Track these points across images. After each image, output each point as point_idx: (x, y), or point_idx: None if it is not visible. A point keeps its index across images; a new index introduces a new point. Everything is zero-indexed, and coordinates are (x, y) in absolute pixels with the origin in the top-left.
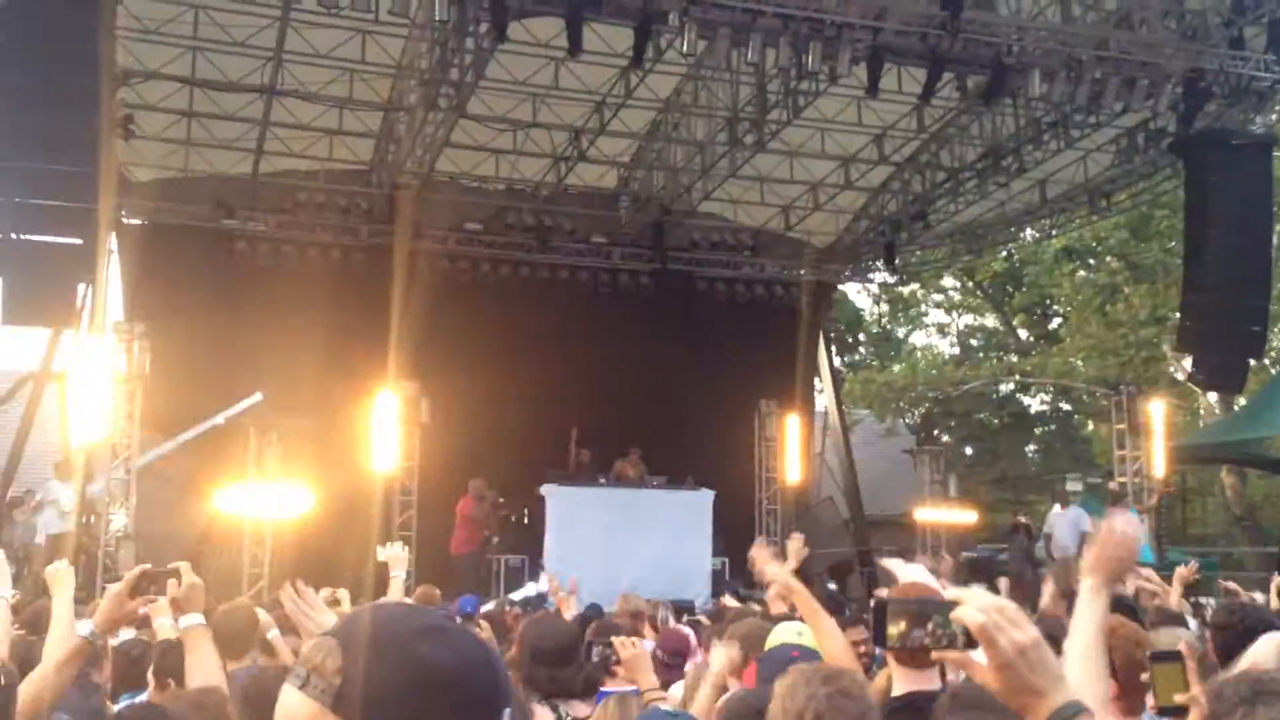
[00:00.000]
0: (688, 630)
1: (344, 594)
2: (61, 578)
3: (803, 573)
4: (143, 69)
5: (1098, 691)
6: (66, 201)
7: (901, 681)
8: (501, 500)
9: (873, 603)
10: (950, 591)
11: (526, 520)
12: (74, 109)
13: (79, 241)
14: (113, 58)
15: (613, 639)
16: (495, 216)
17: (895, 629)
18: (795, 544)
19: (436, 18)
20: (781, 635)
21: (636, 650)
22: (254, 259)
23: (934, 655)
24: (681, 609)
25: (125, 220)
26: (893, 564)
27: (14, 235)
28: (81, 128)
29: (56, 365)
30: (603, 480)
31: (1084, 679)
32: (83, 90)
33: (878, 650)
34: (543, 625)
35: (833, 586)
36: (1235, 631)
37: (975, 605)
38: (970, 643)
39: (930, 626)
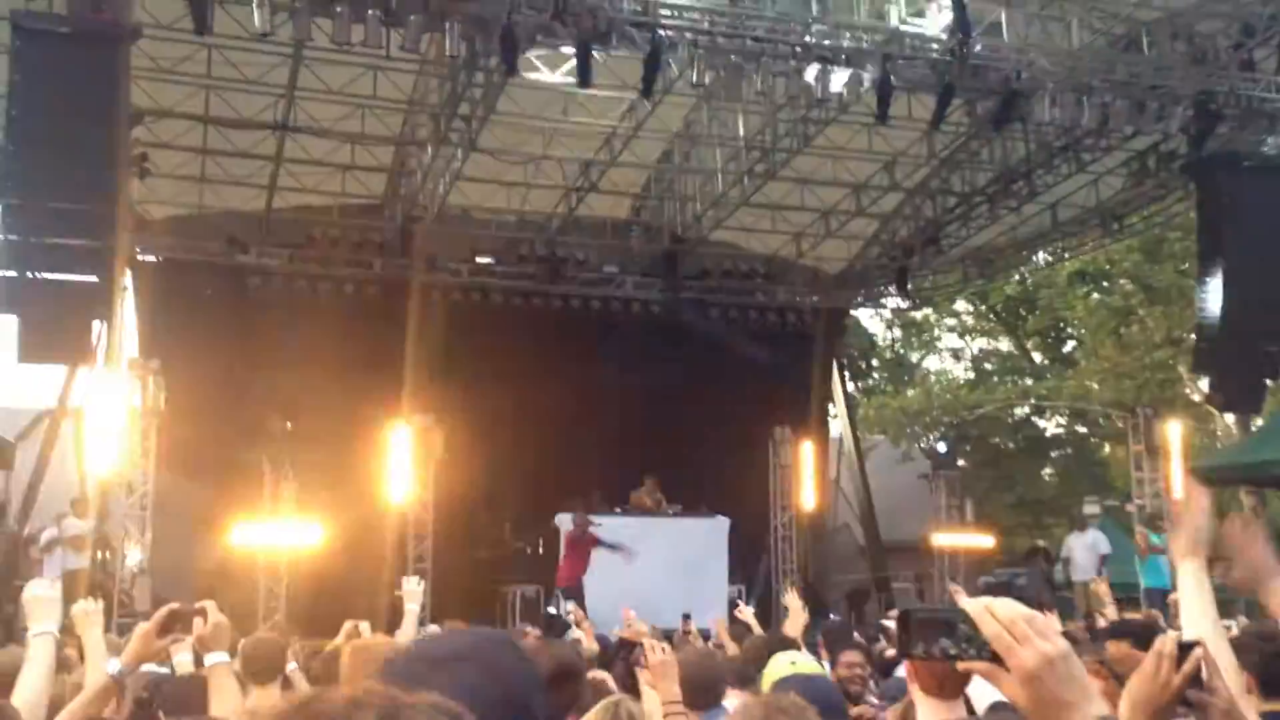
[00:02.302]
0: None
1: (365, 625)
2: (90, 617)
3: (819, 600)
4: (157, 107)
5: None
6: (83, 240)
7: (927, 713)
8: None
9: (896, 613)
10: (978, 601)
11: (541, 550)
12: (91, 149)
13: (95, 279)
14: (128, 97)
15: (644, 641)
16: (507, 248)
17: (920, 639)
18: (794, 602)
19: (448, 53)
20: (778, 664)
21: (665, 657)
22: (268, 294)
23: (960, 666)
24: (702, 635)
25: (140, 257)
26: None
27: (29, 274)
28: (98, 168)
29: (73, 402)
30: (618, 511)
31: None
32: (100, 131)
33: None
34: (539, 650)
35: (835, 617)
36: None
37: (1002, 615)
38: (998, 654)
39: (957, 636)
